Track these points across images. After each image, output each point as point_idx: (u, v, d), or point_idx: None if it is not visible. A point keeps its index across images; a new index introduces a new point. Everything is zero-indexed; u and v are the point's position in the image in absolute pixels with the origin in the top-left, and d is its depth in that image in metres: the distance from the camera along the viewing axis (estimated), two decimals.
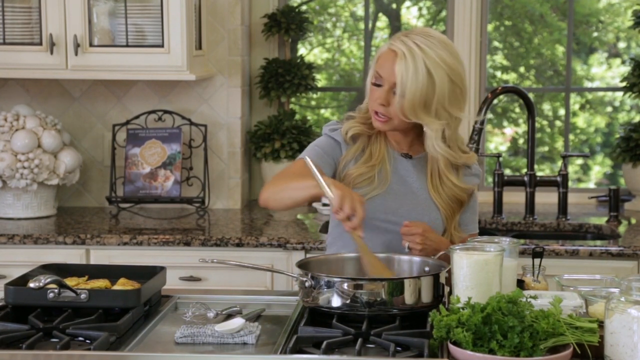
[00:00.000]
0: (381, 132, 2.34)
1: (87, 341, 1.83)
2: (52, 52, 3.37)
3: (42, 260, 2.58)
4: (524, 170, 3.60)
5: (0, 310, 1.98)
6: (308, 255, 3.04)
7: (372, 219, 2.28)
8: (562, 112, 4.85)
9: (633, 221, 3.48)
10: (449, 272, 2.00)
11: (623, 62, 4.84)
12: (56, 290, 1.94)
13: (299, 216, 3.55)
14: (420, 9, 4.86)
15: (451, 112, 2.22)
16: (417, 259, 2.16)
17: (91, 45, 3.38)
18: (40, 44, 3.39)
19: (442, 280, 2.00)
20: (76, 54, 3.36)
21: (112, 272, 2.16)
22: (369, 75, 2.30)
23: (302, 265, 2.07)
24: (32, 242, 3.14)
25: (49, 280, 1.90)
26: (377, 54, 2.29)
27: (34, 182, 3.43)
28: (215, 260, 2.28)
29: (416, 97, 2.17)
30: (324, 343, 1.77)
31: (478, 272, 1.92)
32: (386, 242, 2.29)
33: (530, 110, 3.50)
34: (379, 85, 2.24)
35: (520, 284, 2.12)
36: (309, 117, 4.09)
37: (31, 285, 1.90)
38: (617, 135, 3.72)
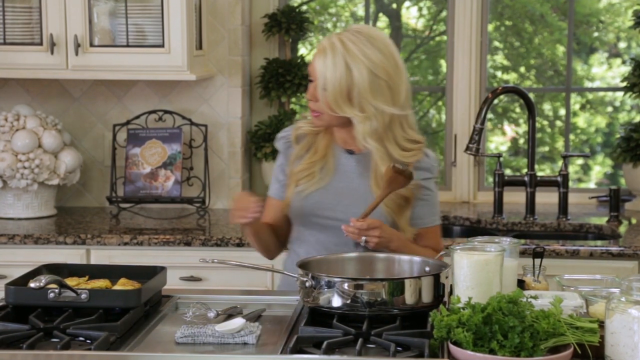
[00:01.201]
0: (327, 129, 2.39)
1: (88, 341, 1.83)
2: (52, 52, 3.37)
3: (42, 260, 2.58)
4: (525, 170, 3.60)
5: (1, 310, 1.98)
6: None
7: (309, 215, 2.34)
8: (562, 112, 4.85)
9: (633, 221, 3.48)
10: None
11: (623, 62, 4.84)
12: (57, 290, 1.94)
13: None
14: (420, 9, 4.86)
15: (376, 106, 2.25)
16: (417, 259, 2.16)
17: (91, 45, 3.38)
18: (41, 44, 3.39)
19: (443, 280, 2.00)
20: (77, 54, 3.36)
21: (113, 272, 2.16)
22: None
23: (302, 265, 2.07)
24: (32, 242, 3.14)
25: (49, 280, 1.90)
26: None
27: (34, 182, 3.43)
28: (215, 260, 2.28)
29: (336, 90, 2.24)
30: (325, 343, 1.77)
31: (478, 272, 1.92)
32: (326, 238, 2.33)
33: (531, 110, 3.50)
34: (311, 82, 2.31)
35: (521, 284, 2.12)
36: (309, 117, 4.08)
37: (32, 285, 1.90)
38: (618, 135, 3.72)
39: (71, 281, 2.06)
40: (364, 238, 2.21)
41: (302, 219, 2.36)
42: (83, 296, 1.95)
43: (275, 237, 2.44)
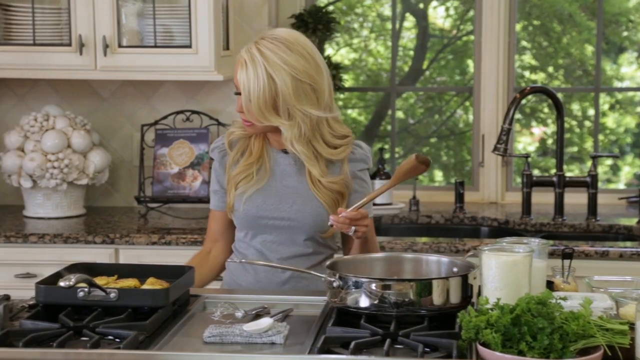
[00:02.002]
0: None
1: (117, 340, 1.84)
2: (81, 53, 3.40)
3: (71, 259, 2.60)
4: (553, 171, 3.58)
5: (32, 308, 2.00)
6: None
7: (254, 217, 2.34)
8: (591, 112, 4.81)
9: None
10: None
11: None
12: (86, 289, 1.95)
13: None
14: (447, 9, 4.84)
15: (303, 110, 2.25)
16: (445, 259, 2.16)
17: (120, 45, 3.40)
18: (70, 44, 3.41)
19: (471, 281, 1.99)
20: (105, 54, 3.39)
21: (141, 271, 2.17)
22: None
23: (330, 265, 2.07)
24: (62, 241, 3.16)
25: (79, 279, 1.92)
26: None
27: (63, 182, 3.45)
28: (243, 261, 2.29)
29: (261, 101, 2.23)
30: (352, 343, 1.76)
31: (507, 273, 1.91)
32: (271, 238, 2.35)
33: (559, 110, 3.48)
34: (238, 94, 2.30)
35: (550, 285, 2.11)
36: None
37: (61, 284, 1.91)
38: None
39: (100, 280, 2.07)
40: (353, 228, 2.20)
41: (247, 221, 2.36)
42: (112, 295, 1.96)
43: (208, 269, 2.46)
